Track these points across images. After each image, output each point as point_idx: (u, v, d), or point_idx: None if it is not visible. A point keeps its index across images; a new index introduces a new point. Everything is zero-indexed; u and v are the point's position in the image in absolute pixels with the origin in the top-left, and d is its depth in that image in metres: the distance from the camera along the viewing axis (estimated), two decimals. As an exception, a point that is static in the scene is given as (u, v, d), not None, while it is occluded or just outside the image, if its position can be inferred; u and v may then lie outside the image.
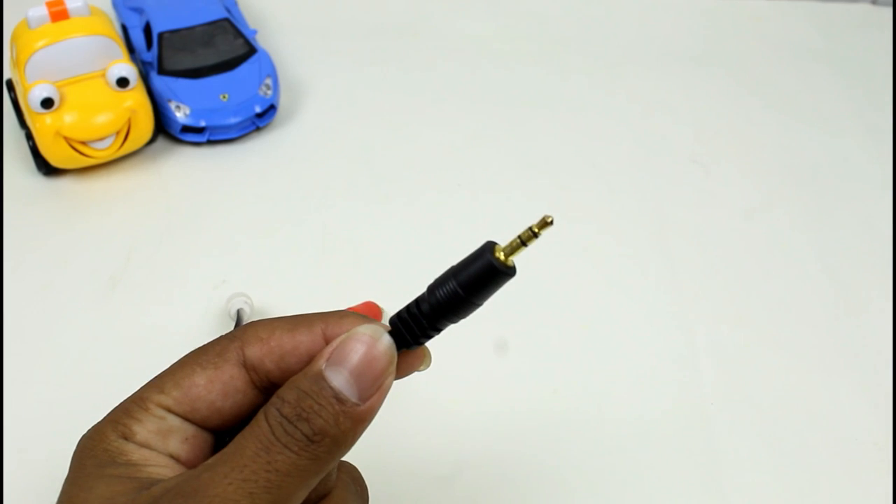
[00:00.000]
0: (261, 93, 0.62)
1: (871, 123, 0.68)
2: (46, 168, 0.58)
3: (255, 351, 0.29)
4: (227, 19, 0.64)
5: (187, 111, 0.60)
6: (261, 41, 0.67)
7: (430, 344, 0.30)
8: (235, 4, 0.69)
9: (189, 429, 0.29)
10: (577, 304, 0.53)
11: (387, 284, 0.52)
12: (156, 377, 0.29)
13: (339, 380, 0.27)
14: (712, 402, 0.48)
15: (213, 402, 0.29)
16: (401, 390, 0.47)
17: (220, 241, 0.56)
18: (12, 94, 0.60)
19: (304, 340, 0.29)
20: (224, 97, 0.61)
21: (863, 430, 0.47)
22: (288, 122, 0.65)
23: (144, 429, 0.28)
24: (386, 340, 0.28)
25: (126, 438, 0.28)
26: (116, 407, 0.29)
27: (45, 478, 0.42)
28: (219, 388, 0.29)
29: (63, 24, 0.56)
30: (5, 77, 0.62)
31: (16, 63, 0.57)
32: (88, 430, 0.29)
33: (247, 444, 0.26)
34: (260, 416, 0.26)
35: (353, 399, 0.27)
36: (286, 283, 0.53)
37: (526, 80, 0.70)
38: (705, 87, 0.71)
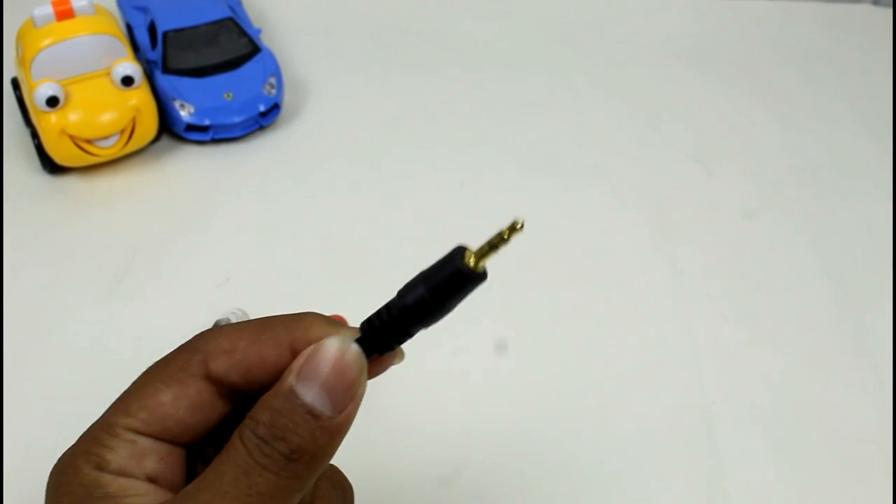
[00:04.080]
0: (265, 92, 0.62)
1: (871, 123, 0.68)
2: (51, 166, 0.58)
3: (220, 364, 0.28)
4: (231, 18, 0.64)
5: (191, 110, 0.61)
6: (265, 40, 0.67)
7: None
8: (239, 3, 0.70)
9: (162, 448, 0.28)
10: (578, 304, 0.53)
11: (389, 283, 0.52)
12: (119, 399, 0.29)
13: (311, 395, 0.26)
14: (714, 401, 0.48)
15: (182, 418, 0.28)
16: (401, 390, 0.47)
17: (223, 240, 0.56)
18: (18, 93, 0.60)
19: (270, 354, 0.28)
20: (228, 96, 0.62)
21: (864, 429, 0.48)
22: (291, 121, 0.65)
23: (118, 456, 0.27)
24: (354, 349, 0.27)
25: (100, 468, 0.27)
26: (83, 435, 0.28)
27: (47, 477, 0.43)
28: (186, 405, 0.28)
29: (68, 22, 0.56)
30: (10, 76, 0.62)
31: (21, 62, 0.57)
32: (58, 463, 0.28)
33: (225, 469, 0.26)
34: (235, 438, 0.26)
35: (328, 412, 0.26)
36: (289, 282, 0.54)
37: (528, 79, 0.71)
38: (706, 87, 0.71)
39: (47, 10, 0.56)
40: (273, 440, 0.25)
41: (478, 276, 0.27)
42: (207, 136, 0.62)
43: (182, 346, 0.30)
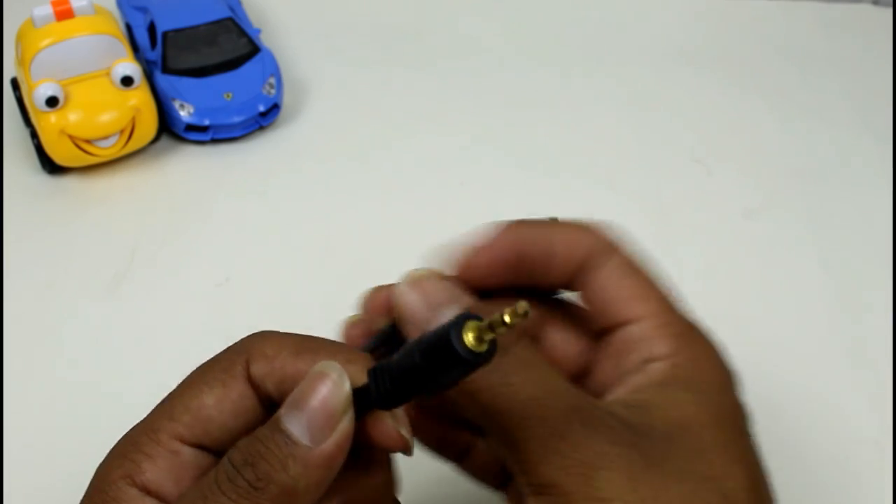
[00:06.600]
0: (264, 92, 0.62)
1: (872, 123, 0.68)
2: (51, 166, 0.58)
3: (260, 368, 0.27)
4: (230, 18, 0.64)
5: (191, 110, 0.61)
6: (264, 40, 0.67)
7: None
8: (239, 3, 0.70)
9: (204, 462, 0.27)
10: (578, 304, 0.53)
11: (388, 282, 0.52)
12: (164, 401, 0.28)
13: (292, 423, 0.25)
14: (712, 401, 0.48)
15: (224, 423, 0.27)
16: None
17: (223, 239, 0.56)
18: (17, 93, 0.60)
19: (305, 371, 0.26)
20: (228, 96, 0.62)
21: (863, 429, 0.48)
22: (291, 121, 0.65)
23: (156, 467, 0.26)
24: (341, 379, 0.25)
25: (132, 480, 0.26)
26: (126, 437, 0.28)
27: (47, 478, 0.43)
28: (229, 408, 0.27)
29: (68, 22, 0.56)
30: (10, 76, 0.62)
31: (21, 62, 0.57)
32: (99, 467, 0.27)
33: (187, 495, 0.25)
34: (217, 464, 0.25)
35: (305, 442, 0.24)
36: (289, 281, 0.54)
37: (527, 79, 0.71)
38: (706, 86, 0.71)
39: (47, 10, 0.56)
40: (242, 466, 0.24)
41: (475, 358, 0.22)
42: (207, 136, 0.62)
43: (231, 346, 0.29)
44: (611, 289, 0.29)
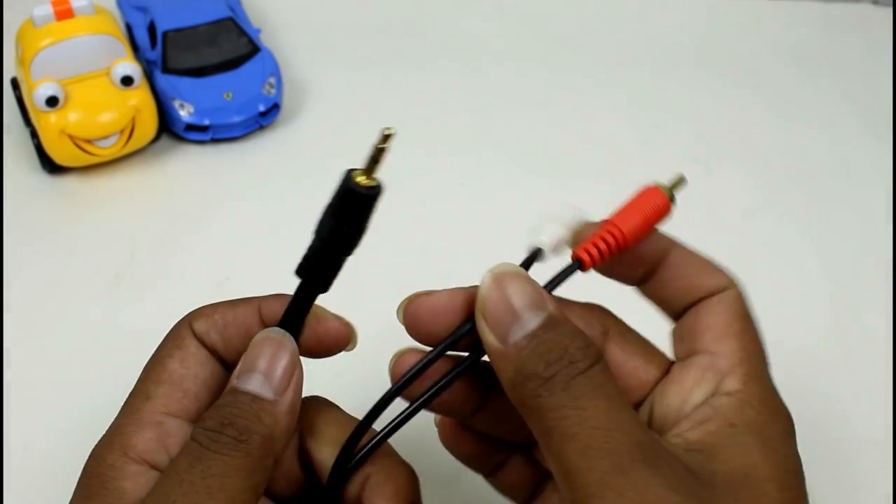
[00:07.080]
0: (264, 91, 0.62)
1: (871, 123, 0.68)
2: (51, 166, 0.58)
3: (202, 324, 0.30)
4: (230, 18, 0.64)
5: (191, 110, 0.61)
6: (264, 40, 0.67)
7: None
8: (239, 3, 0.70)
9: (187, 430, 0.29)
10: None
11: (388, 282, 0.52)
12: (133, 391, 0.30)
13: (251, 384, 0.28)
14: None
15: (196, 375, 0.30)
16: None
17: (223, 239, 0.56)
18: (17, 93, 0.60)
19: (241, 312, 0.31)
20: (228, 96, 0.62)
21: (863, 429, 0.48)
22: (291, 120, 0.65)
23: (143, 439, 0.28)
24: (285, 337, 0.29)
25: (124, 454, 0.28)
26: (108, 429, 0.29)
27: (48, 476, 0.43)
28: (193, 362, 0.30)
29: (68, 22, 0.56)
30: (10, 76, 0.62)
31: (21, 61, 0.57)
32: (91, 454, 0.29)
33: (178, 461, 0.26)
34: (187, 440, 0.27)
35: (270, 395, 0.28)
36: (289, 281, 0.53)
37: (528, 79, 0.71)
38: (706, 86, 0.71)
39: (47, 9, 0.56)
40: (222, 427, 0.26)
41: (373, 191, 0.28)
42: (207, 136, 0.62)
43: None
44: (706, 320, 0.29)
